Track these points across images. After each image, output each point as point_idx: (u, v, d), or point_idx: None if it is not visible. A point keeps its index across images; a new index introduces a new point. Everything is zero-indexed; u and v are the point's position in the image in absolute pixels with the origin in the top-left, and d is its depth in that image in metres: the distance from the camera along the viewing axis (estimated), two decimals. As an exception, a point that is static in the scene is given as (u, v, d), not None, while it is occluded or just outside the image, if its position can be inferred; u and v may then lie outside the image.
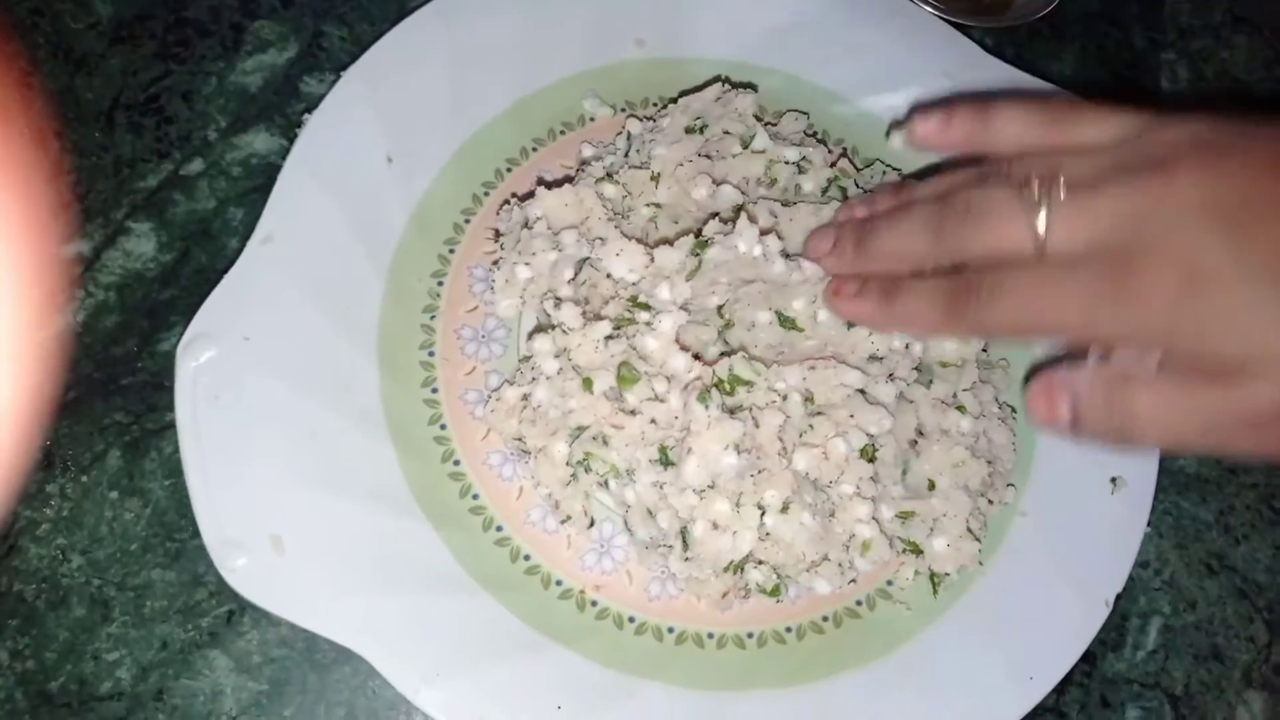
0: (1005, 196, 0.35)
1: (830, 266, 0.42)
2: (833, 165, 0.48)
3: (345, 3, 0.56)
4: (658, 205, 0.46)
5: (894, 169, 0.53)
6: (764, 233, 0.42)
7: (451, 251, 0.48)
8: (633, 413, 0.41)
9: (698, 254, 0.41)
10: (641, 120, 0.49)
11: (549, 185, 0.44)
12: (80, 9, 0.55)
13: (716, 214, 0.45)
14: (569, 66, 0.51)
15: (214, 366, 0.41)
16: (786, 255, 0.43)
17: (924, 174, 0.51)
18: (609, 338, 0.40)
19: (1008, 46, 0.60)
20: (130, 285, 0.48)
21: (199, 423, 0.41)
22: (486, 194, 0.49)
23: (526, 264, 0.42)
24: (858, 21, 0.54)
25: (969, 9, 0.55)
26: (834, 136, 0.53)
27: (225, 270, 0.43)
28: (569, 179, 0.48)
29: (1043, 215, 0.33)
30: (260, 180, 0.50)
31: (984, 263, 0.36)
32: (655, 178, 0.45)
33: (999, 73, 0.54)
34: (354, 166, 0.46)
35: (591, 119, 0.51)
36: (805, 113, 0.51)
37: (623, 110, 0.52)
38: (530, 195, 0.44)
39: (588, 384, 0.40)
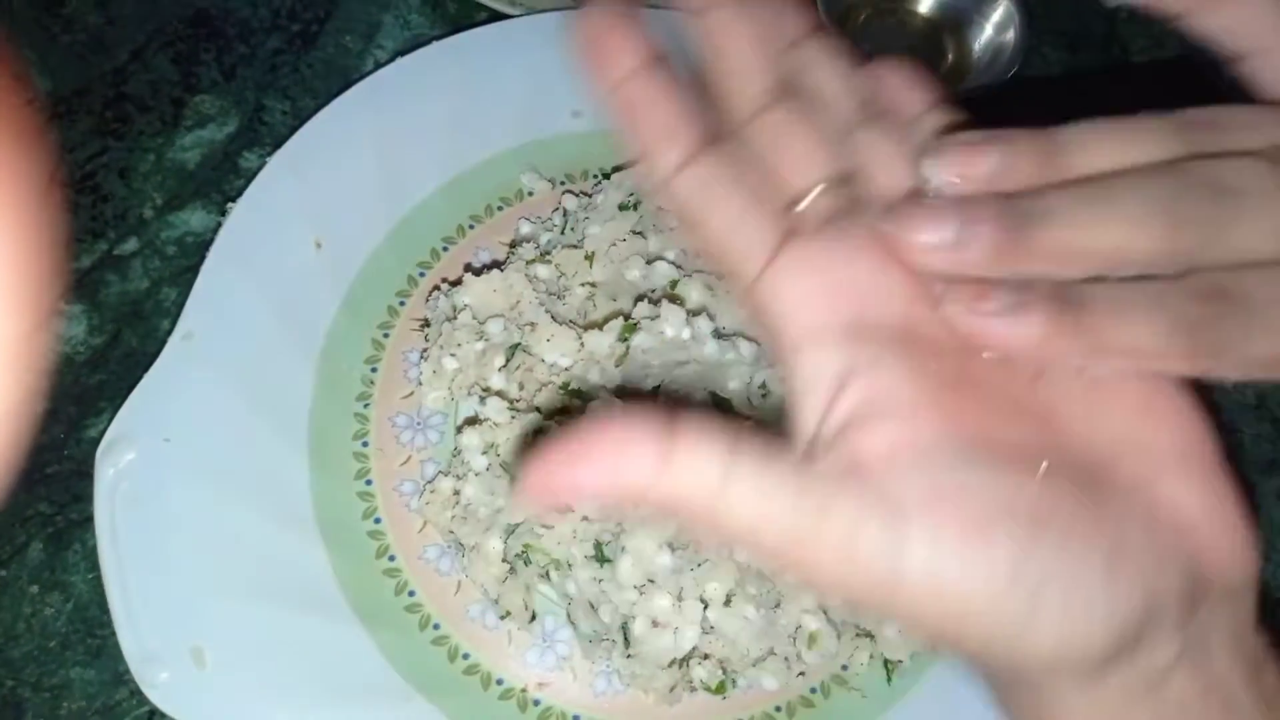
0: (1271, 172, 0.24)
1: (950, 263, 0.24)
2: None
3: (288, 76, 0.55)
4: (593, 284, 0.44)
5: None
6: (694, 313, 0.41)
7: (386, 335, 0.46)
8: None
9: (625, 339, 0.40)
10: (577, 195, 0.48)
11: (476, 272, 0.43)
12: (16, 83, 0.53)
13: (651, 292, 0.43)
14: (504, 141, 0.50)
15: (134, 470, 0.40)
16: (719, 335, 0.41)
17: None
18: (539, 430, 0.39)
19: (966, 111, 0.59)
20: (59, 369, 0.46)
21: (118, 530, 0.39)
22: (422, 274, 0.48)
23: (452, 355, 0.41)
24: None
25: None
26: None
27: (156, 354, 0.42)
28: (497, 264, 0.47)
29: None
30: (195, 259, 0.49)
31: (1231, 266, 0.24)
32: (590, 257, 0.44)
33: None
34: (280, 254, 0.45)
35: (529, 193, 0.50)
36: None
37: (561, 183, 0.51)
38: (460, 282, 0.43)
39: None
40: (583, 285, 0.45)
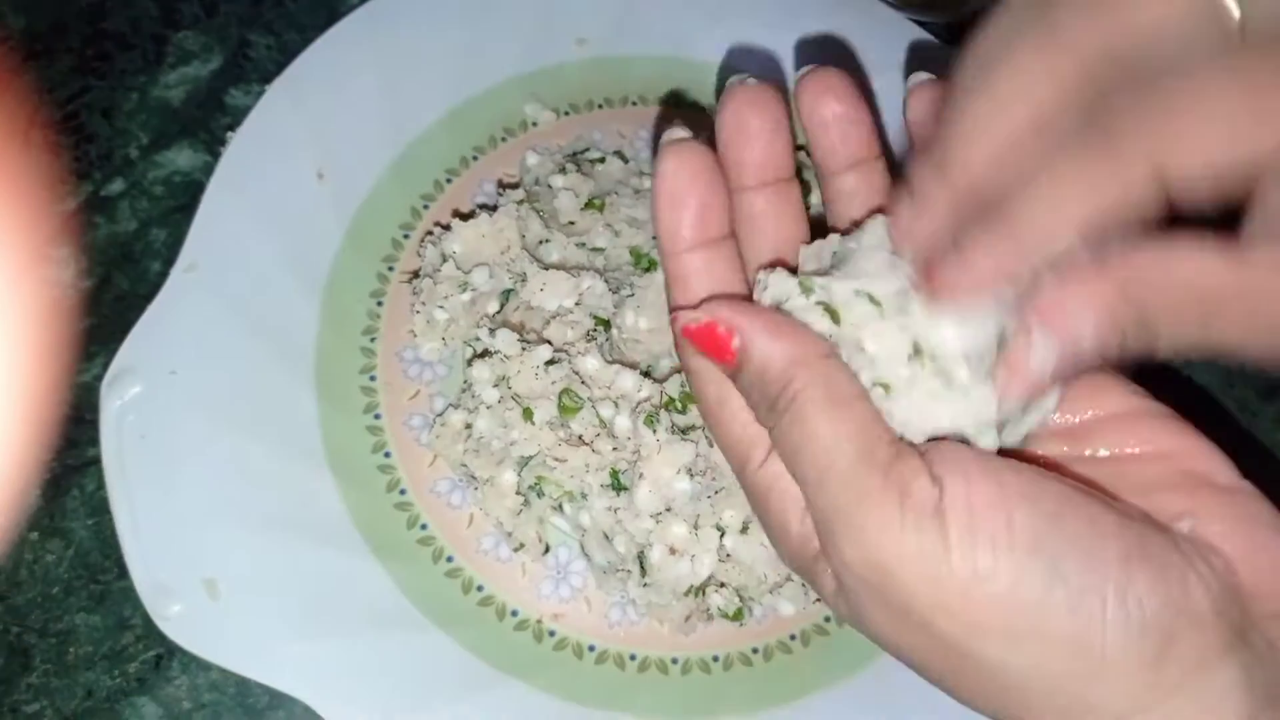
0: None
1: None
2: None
3: (272, 10, 0.53)
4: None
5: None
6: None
7: (391, 269, 0.46)
8: (580, 438, 0.39)
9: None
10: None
11: (465, 217, 0.42)
12: (-10, 23, 0.52)
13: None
14: (508, 70, 0.49)
15: (140, 403, 0.39)
16: None
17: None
18: (550, 362, 0.39)
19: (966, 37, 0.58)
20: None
21: (126, 463, 0.39)
22: (426, 206, 0.47)
23: (440, 307, 0.40)
24: (805, 13, 0.52)
25: (924, 4, 0.53)
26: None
27: (147, 297, 0.41)
28: (483, 207, 0.46)
29: None
30: (184, 199, 0.48)
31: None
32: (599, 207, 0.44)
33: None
34: (282, 185, 0.44)
35: (534, 124, 0.49)
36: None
37: (565, 113, 0.50)
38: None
39: (528, 414, 0.38)
40: (571, 223, 0.44)
